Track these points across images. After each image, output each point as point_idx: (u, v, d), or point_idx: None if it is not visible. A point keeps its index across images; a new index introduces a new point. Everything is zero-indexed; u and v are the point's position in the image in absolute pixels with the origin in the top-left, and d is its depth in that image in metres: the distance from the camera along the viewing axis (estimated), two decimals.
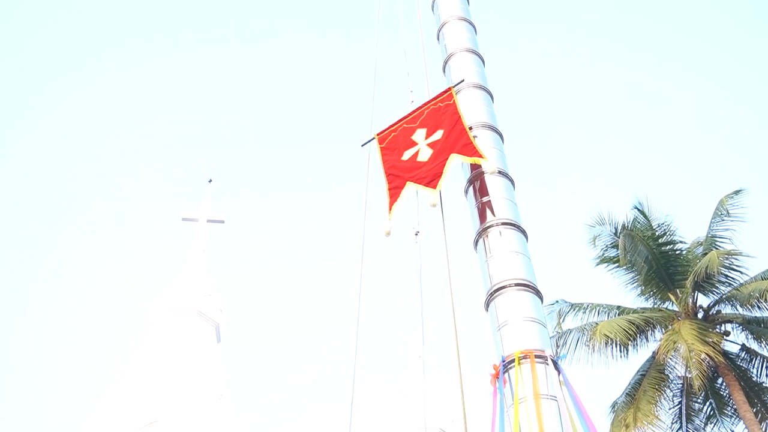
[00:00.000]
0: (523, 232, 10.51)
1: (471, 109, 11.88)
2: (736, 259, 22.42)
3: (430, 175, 11.17)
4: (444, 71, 13.57)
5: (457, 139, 11.31)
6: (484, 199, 10.71)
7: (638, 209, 24.24)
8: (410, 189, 11.28)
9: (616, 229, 24.16)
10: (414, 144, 11.74)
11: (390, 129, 12.34)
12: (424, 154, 11.49)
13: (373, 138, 12.36)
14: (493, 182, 10.95)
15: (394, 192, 11.29)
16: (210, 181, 35.57)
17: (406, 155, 11.66)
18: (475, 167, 11.21)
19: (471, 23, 14.22)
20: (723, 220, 23.11)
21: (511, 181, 11.17)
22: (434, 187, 11.00)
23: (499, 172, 11.08)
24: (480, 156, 10.98)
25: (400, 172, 11.50)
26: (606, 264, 24.56)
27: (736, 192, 23.03)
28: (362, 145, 12.57)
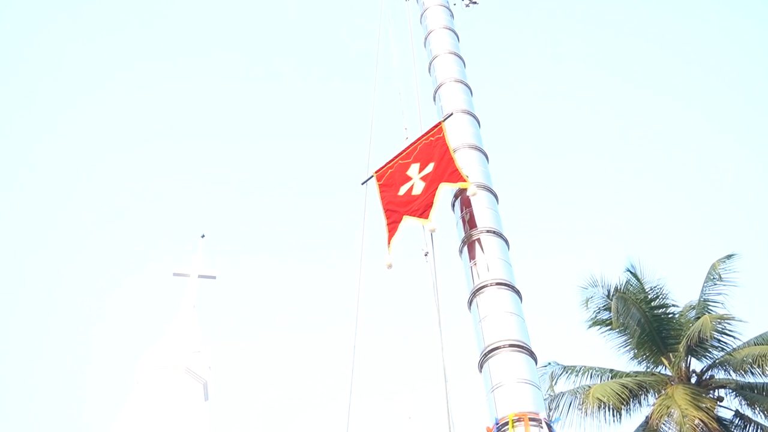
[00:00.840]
0: (517, 292, 10.52)
1: (468, 169, 12.06)
2: (728, 323, 22.33)
3: (422, 206, 11.86)
4: (434, 99, 14.38)
5: (445, 169, 12.02)
6: (479, 259, 10.74)
7: (630, 272, 24.23)
8: (407, 222, 11.93)
9: (608, 292, 24.11)
10: (409, 179, 12.46)
11: (387, 166, 13.14)
12: (418, 188, 12.19)
13: (372, 176, 13.11)
14: (487, 242, 11.01)
15: (392, 226, 11.97)
16: (203, 236, 35.47)
17: (402, 190, 12.37)
18: (469, 227, 11.30)
19: (461, 57, 14.97)
20: (715, 284, 23.11)
21: (506, 241, 11.23)
22: (426, 217, 11.68)
23: (494, 233, 11.15)
24: (464, 180, 11.70)
25: (397, 207, 12.21)
26: (599, 326, 24.43)
27: (729, 256, 23.10)
28: (362, 183, 13.25)
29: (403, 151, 13.15)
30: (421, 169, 12.39)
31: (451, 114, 13.31)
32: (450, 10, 17.65)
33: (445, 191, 12.03)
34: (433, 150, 12.44)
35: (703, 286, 23.48)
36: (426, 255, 11.91)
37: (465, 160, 12.35)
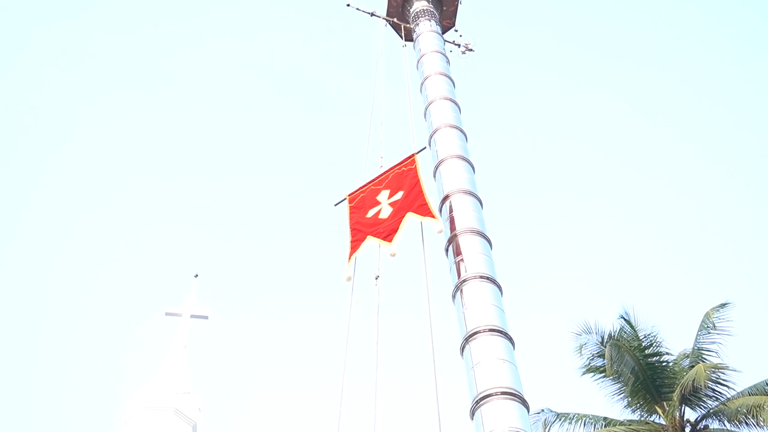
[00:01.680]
0: (510, 339, 10.46)
1: (463, 215, 12.11)
2: (723, 373, 22.19)
3: (387, 230, 12.58)
4: (429, 144, 14.65)
5: (414, 200, 12.73)
6: (471, 305, 10.72)
7: (624, 319, 24.15)
8: (370, 242, 12.70)
9: (602, 339, 23.99)
10: (378, 203, 13.30)
11: (360, 190, 14.00)
12: (385, 212, 13.00)
13: (345, 198, 13.98)
14: (480, 288, 11.00)
15: (355, 244, 12.81)
16: (196, 276, 35.30)
17: (370, 213, 13.21)
18: (461, 272, 11.30)
19: (456, 103, 15.25)
20: (709, 332, 23.03)
21: (499, 287, 11.22)
22: (390, 241, 12.39)
23: (487, 278, 11.14)
24: (432, 216, 12.32)
25: (363, 228, 13.00)
26: (592, 373, 24.25)
27: (722, 305, 23.06)
28: (335, 205, 14.04)
29: (377, 177, 13.95)
30: (390, 196, 13.17)
31: (425, 148, 14.06)
32: (446, 57, 17.90)
33: (412, 221, 12.60)
34: (404, 179, 13.22)
35: (697, 335, 23.39)
36: (377, 278, 12.37)
37: (459, 206, 12.41)
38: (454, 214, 12.29)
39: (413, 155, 13.72)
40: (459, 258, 11.52)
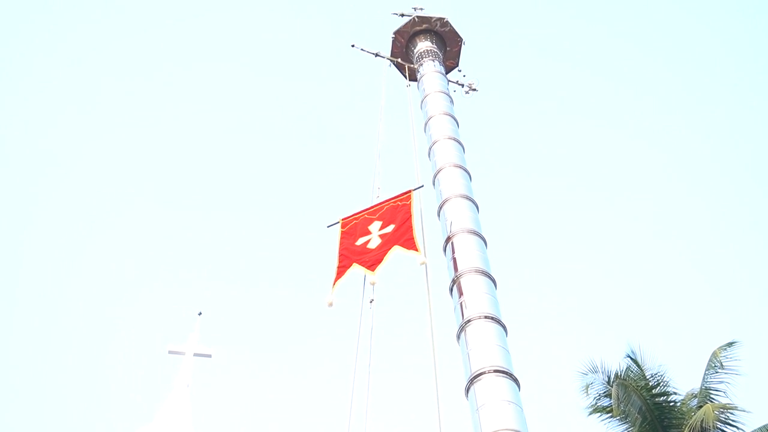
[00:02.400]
0: (516, 380, 10.37)
1: (467, 255, 12.08)
2: (731, 413, 21.85)
3: (372, 260, 13.17)
4: (434, 184, 14.91)
5: (403, 234, 13.28)
6: (476, 345, 10.64)
7: (631, 358, 23.88)
8: (355, 269, 13.27)
9: (608, 378, 23.70)
10: (369, 233, 13.87)
11: (353, 216, 14.57)
12: (374, 243, 13.58)
13: (338, 222, 14.52)
14: (485, 328, 10.93)
15: (341, 270, 13.36)
16: (200, 314, 35.10)
17: (360, 241, 13.78)
18: (466, 312, 11.25)
19: (460, 143, 15.29)
20: (717, 372, 22.73)
21: (504, 327, 11.15)
22: (372, 270, 12.96)
23: (491, 318, 11.07)
24: (416, 250, 12.82)
25: (350, 255, 13.58)
26: (599, 413, 23.91)
27: (730, 344, 22.79)
28: (328, 227, 14.64)
29: (371, 207, 14.54)
30: (381, 228, 13.76)
31: (422, 186, 14.44)
32: (450, 97, 18.05)
33: (397, 254, 13.09)
34: (397, 213, 13.78)
35: (705, 374, 23.11)
36: (371, 302, 12.76)
37: (463, 245, 12.39)
38: (458, 253, 12.28)
39: (410, 191, 14.21)
40: (463, 298, 11.48)
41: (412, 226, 13.27)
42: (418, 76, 19.21)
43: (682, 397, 23.83)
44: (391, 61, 20.53)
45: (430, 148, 15.44)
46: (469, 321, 11.18)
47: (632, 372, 23.94)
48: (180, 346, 33.74)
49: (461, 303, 11.58)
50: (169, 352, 34.73)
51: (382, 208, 14.31)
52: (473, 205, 13.61)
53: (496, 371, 10.28)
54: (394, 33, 20.43)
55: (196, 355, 33.92)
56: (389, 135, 17.23)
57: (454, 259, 12.37)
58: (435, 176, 14.59)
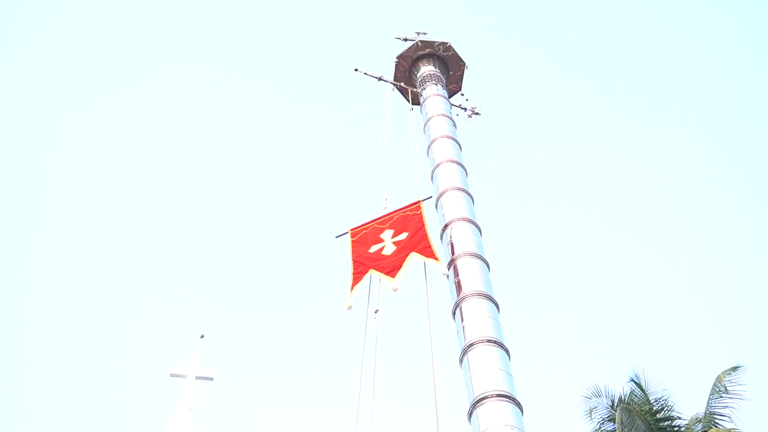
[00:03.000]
0: (518, 404, 10.34)
1: (470, 278, 12.10)
2: None
3: (390, 266, 13.25)
4: (436, 207, 14.91)
5: (419, 242, 13.41)
6: (479, 370, 10.61)
7: (635, 382, 23.75)
8: (372, 275, 13.37)
9: (612, 402, 23.54)
10: (381, 241, 14.06)
11: (362, 227, 14.75)
12: (389, 250, 13.72)
13: (347, 232, 14.73)
14: (487, 352, 10.91)
15: (357, 276, 13.50)
16: (202, 336, 35.03)
17: (373, 249, 13.93)
18: (468, 336, 11.24)
19: (463, 166, 15.41)
20: (721, 396, 22.58)
21: (506, 350, 11.12)
22: (393, 276, 13.06)
23: (494, 342, 11.06)
24: (435, 258, 12.96)
25: (366, 261, 13.71)
26: None
27: (734, 368, 22.67)
28: (336, 237, 14.86)
29: (380, 217, 14.74)
30: (394, 236, 13.95)
31: (431, 197, 14.74)
32: (453, 120, 18.15)
33: (415, 261, 13.26)
34: (408, 222, 13.98)
35: (709, 399, 22.96)
36: (376, 312, 12.89)
37: (466, 268, 12.41)
38: (461, 276, 12.28)
39: (419, 201, 14.47)
40: (466, 321, 11.47)
41: (427, 234, 13.48)
42: (421, 100, 19.33)
43: (686, 422, 23.65)
44: (394, 85, 20.66)
45: (432, 171, 15.53)
46: (471, 344, 11.16)
47: (636, 396, 23.79)
48: (182, 369, 33.60)
49: (463, 326, 11.57)
50: (171, 375, 34.60)
51: (392, 217, 14.54)
52: (476, 229, 13.64)
53: (498, 395, 10.26)
54: (397, 57, 20.58)
55: (198, 378, 33.77)
56: (392, 158, 17.33)
57: (457, 282, 12.39)
58: (437, 199, 14.67)
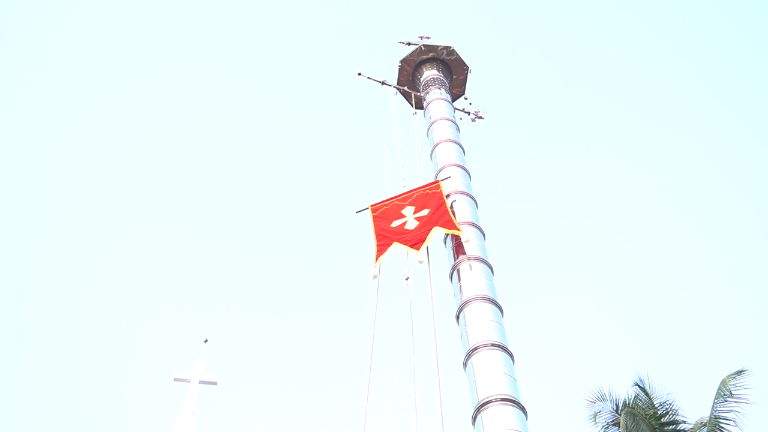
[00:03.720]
0: (523, 408, 10.32)
1: (473, 283, 12.09)
2: None
3: (414, 239, 13.86)
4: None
5: (441, 216, 14.04)
6: (483, 374, 10.60)
7: (639, 386, 23.67)
8: (396, 248, 13.95)
9: (617, 406, 23.44)
10: (403, 216, 14.62)
11: (383, 203, 15.30)
12: (411, 224, 14.30)
13: (367, 207, 15.25)
14: (492, 357, 10.90)
15: (381, 248, 14.04)
16: (206, 341, 35.01)
17: (395, 224, 14.54)
18: (472, 340, 11.22)
19: (466, 170, 15.39)
20: (726, 401, 22.48)
21: (510, 355, 11.11)
22: (418, 248, 13.60)
23: (498, 346, 11.05)
24: (458, 230, 13.56)
25: (389, 234, 14.31)
26: None
27: (739, 372, 22.58)
28: (357, 212, 15.34)
29: (400, 195, 15.32)
30: (416, 212, 14.51)
31: (449, 177, 15.19)
32: (456, 124, 18.15)
33: (438, 235, 13.90)
34: (429, 200, 14.57)
35: (714, 403, 22.86)
36: (407, 279, 13.44)
37: (469, 272, 12.39)
38: (465, 280, 12.26)
39: (438, 181, 15.06)
40: (470, 325, 11.46)
41: (447, 210, 14.07)
42: (425, 104, 19.34)
43: (691, 426, 23.55)
44: (398, 89, 20.67)
45: (436, 175, 15.52)
46: (475, 348, 11.15)
47: (641, 400, 23.69)
48: (186, 373, 33.57)
49: (467, 330, 11.56)
50: (175, 379, 34.57)
51: (412, 195, 15.10)
52: (480, 232, 13.63)
53: (503, 400, 10.24)
54: (401, 61, 20.59)
55: (201, 382, 33.73)
56: (395, 161, 17.34)
57: (461, 286, 12.37)
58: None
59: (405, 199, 15.14)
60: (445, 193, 14.62)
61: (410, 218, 14.48)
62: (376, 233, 14.52)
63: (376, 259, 13.76)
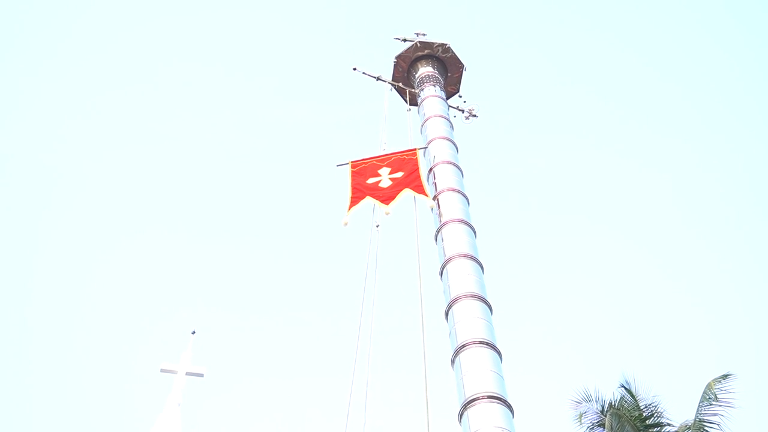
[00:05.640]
0: (509, 406, 10.34)
1: (463, 280, 12.09)
2: None
3: (386, 196, 15.40)
4: (431, 209, 15.23)
5: (413, 181, 15.46)
6: (470, 371, 10.61)
7: (625, 388, 23.74)
8: (368, 201, 15.50)
9: (602, 407, 23.50)
10: (378, 175, 16.10)
11: (362, 161, 16.77)
12: (385, 183, 15.79)
13: (347, 163, 16.68)
14: (480, 354, 10.91)
15: (355, 200, 15.65)
16: (193, 332, 34.91)
17: (371, 180, 16.03)
18: (460, 337, 11.23)
19: (459, 168, 15.48)
20: (711, 404, 22.57)
21: (499, 353, 11.13)
22: (387, 203, 15.17)
23: (486, 344, 11.05)
24: (425, 194, 14.98)
25: (364, 189, 15.83)
26: None
27: (724, 376, 22.66)
28: (338, 166, 16.80)
29: (379, 156, 16.81)
30: (391, 173, 15.97)
31: (426, 147, 16.68)
32: (450, 122, 18.15)
33: (408, 196, 15.21)
34: (405, 164, 16.01)
35: (699, 406, 22.94)
36: (377, 227, 14.85)
37: (459, 270, 12.41)
38: (454, 278, 12.27)
39: (415, 149, 16.51)
40: (458, 322, 11.47)
41: (420, 176, 15.51)
42: (419, 101, 19.33)
43: (676, 429, 23.63)
44: (392, 85, 20.65)
45: (429, 171, 15.53)
46: (463, 346, 11.16)
47: (626, 402, 23.75)
48: (172, 365, 33.48)
49: (456, 328, 11.57)
50: (162, 371, 34.44)
51: (390, 158, 16.50)
52: (471, 230, 13.64)
53: (489, 397, 10.26)
54: (396, 57, 20.56)
55: (188, 374, 33.66)
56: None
57: (450, 284, 12.37)
58: (433, 199, 14.64)
59: (383, 160, 16.51)
60: (420, 162, 15.90)
61: (385, 177, 15.89)
62: (352, 187, 16.02)
63: (349, 209, 15.33)
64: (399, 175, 15.78)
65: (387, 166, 16.27)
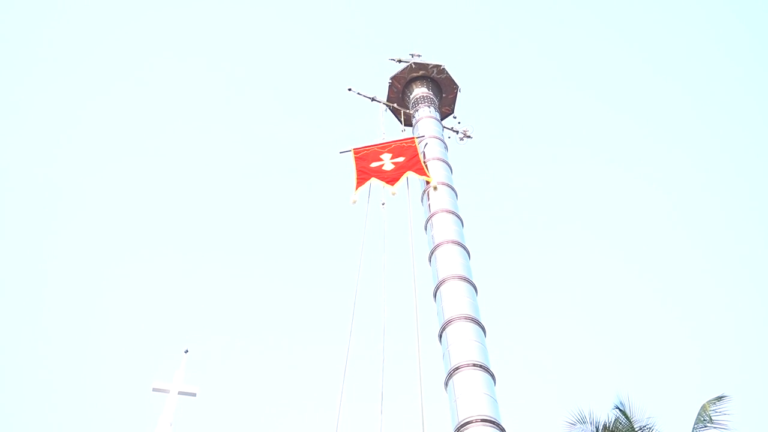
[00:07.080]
0: (503, 430, 10.28)
1: (456, 301, 12.05)
2: None
3: (390, 177, 16.44)
4: (426, 228, 15.38)
5: (414, 164, 16.60)
6: (464, 393, 10.55)
7: (620, 409, 23.64)
8: (373, 182, 16.46)
9: (597, 429, 23.39)
10: (381, 160, 17.16)
11: (364, 148, 17.81)
12: (388, 167, 16.82)
13: (350, 150, 17.71)
14: (473, 377, 10.86)
15: (361, 181, 16.62)
16: (186, 351, 34.71)
17: (374, 164, 17.06)
18: (454, 360, 11.17)
19: (453, 189, 15.56)
20: (706, 426, 22.52)
21: (492, 375, 11.08)
22: (392, 184, 16.22)
23: (480, 366, 11.01)
24: (427, 176, 16.11)
25: (368, 172, 16.82)
26: None
27: (719, 398, 22.61)
28: (341, 152, 17.91)
29: (380, 143, 17.93)
30: (393, 158, 17.06)
31: (424, 136, 17.80)
32: (444, 143, 18.19)
33: (411, 178, 16.26)
34: (405, 150, 17.17)
35: (694, 428, 22.86)
36: (383, 204, 15.68)
37: (452, 291, 12.38)
38: (448, 300, 12.24)
39: (413, 138, 17.82)
40: (451, 345, 11.42)
41: (420, 161, 16.65)
42: (414, 122, 19.39)
43: None
44: (387, 106, 20.71)
45: (423, 193, 15.56)
46: (457, 368, 11.11)
47: (621, 423, 23.63)
48: (165, 384, 33.22)
49: (449, 350, 11.52)
50: (154, 389, 34.13)
51: (390, 145, 17.68)
52: (465, 252, 13.62)
53: (483, 420, 10.20)
54: (391, 78, 20.63)
55: (180, 393, 33.38)
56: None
57: (444, 306, 12.33)
58: (427, 221, 14.67)
59: (384, 147, 17.65)
60: (420, 150, 17.04)
61: (387, 162, 16.93)
62: (357, 170, 17.00)
63: (356, 189, 16.37)
64: (401, 159, 16.84)
65: (388, 152, 17.35)
